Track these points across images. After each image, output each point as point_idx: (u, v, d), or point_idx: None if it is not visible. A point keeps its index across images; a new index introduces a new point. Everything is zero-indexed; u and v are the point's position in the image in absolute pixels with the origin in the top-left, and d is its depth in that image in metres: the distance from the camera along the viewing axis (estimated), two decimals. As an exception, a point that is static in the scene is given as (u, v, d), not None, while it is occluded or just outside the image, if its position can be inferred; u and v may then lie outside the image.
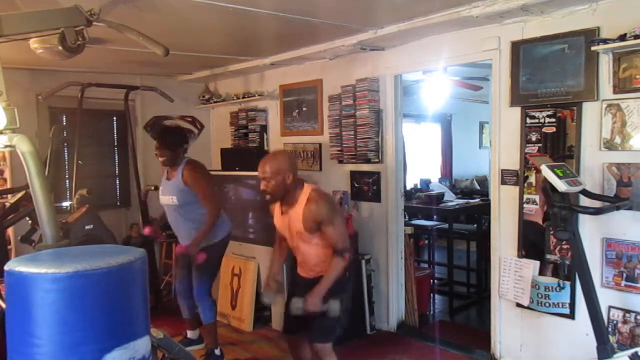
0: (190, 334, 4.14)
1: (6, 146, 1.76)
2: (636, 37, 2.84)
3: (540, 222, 3.43)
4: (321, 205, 2.72)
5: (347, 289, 2.95)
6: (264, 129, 5.62)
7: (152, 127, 4.22)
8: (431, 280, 5.26)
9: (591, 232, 3.17)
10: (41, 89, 4.98)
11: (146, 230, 4.16)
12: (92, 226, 4.00)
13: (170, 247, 5.63)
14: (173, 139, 3.77)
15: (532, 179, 3.46)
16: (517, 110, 3.53)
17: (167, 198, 3.78)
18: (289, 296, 2.96)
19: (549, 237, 3.38)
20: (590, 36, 3.10)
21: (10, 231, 4.53)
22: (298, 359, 3.12)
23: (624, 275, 3.06)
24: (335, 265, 2.75)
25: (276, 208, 2.94)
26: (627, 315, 3.06)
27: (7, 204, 3.95)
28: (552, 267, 3.39)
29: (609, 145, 3.09)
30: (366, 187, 4.59)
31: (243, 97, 5.66)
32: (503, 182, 3.66)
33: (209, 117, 6.34)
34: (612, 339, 3.04)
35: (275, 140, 5.50)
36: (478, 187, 8.85)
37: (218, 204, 3.76)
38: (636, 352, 2.67)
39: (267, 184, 2.75)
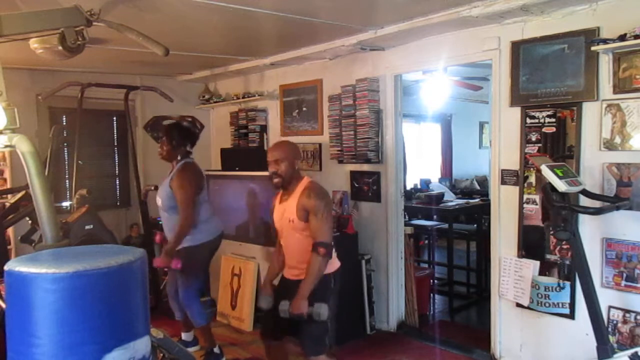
0: (184, 335, 4.10)
1: (6, 146, 1.76)
2: (636, 37, 2.84)
3: (541, 222, 3.43)
4: (313, 195, 2.80)
5: (334, 291, 2.87)
6: (264, 129, 5.62)
7: (152, 127, 4.21)
8: (431, 280, 5.26)
9: (591, 232, 3.17)
10: (41, 89, 4.98)
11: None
12: (92, 226, 4.00)
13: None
14: (177, 135, 3.77)
15: (532, 179, 3.47)
16: (517, 110, 3.53)
17: (157, 198, 3.80)
18: (275, 299, 2.90)
19: (549, 237, 3.38)
20: (590, 36, 3.10)
21: (10, 231, 4.53)
22: None
23: (624, 275, 3.06)
24: (312, 263, 2.72)
25: (276, 199, 3.01)
26: (627, 315, 3.06)
27: (7, 204, 3.95)
28: (552, 267, 3.40)
29: (609, 145, 3.09)
30: (366, 187, 4.58)
31: (243, 97, 5.66)
32: (503, 182, 3.66)
33: (209, 117, 6.34)
34: (612, 339, 3.04)
35: (275, 141, 5.48)
36: (478, 187, 8.86)
37: (189, 215, 3.60)
38: (636, 352, 2.67)
39: (277, 167, 2.84)
